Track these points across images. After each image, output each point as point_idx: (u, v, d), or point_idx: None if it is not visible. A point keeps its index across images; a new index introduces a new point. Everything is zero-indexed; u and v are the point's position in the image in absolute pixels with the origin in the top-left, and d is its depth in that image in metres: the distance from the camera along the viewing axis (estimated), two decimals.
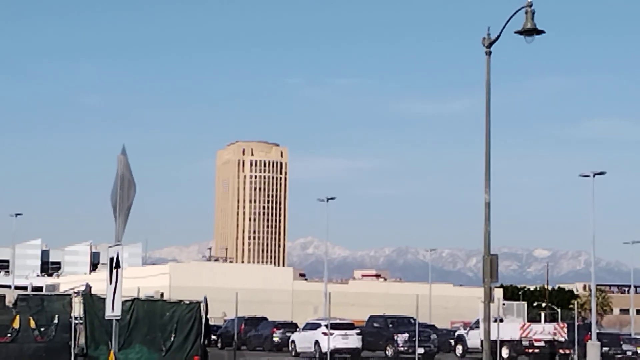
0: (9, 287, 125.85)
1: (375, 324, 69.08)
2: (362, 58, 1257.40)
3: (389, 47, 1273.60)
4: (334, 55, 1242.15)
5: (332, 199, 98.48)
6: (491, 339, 37.24)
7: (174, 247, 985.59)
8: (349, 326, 65.23)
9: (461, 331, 74.08)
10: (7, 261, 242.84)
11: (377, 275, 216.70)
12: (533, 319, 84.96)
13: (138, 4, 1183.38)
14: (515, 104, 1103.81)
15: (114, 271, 20.28)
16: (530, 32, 34.64)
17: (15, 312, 39.36)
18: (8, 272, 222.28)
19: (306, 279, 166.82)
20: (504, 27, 35.35)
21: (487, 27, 35.89)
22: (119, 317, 20.27)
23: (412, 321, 66.29)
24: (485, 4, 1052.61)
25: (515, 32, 34.88)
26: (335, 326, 62.82)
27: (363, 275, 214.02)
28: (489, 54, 35.89)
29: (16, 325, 39.09)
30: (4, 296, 41.41)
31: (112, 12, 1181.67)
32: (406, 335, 64.61)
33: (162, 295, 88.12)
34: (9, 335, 39.01)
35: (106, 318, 20.77)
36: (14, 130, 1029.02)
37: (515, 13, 34.94)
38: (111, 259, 20.43)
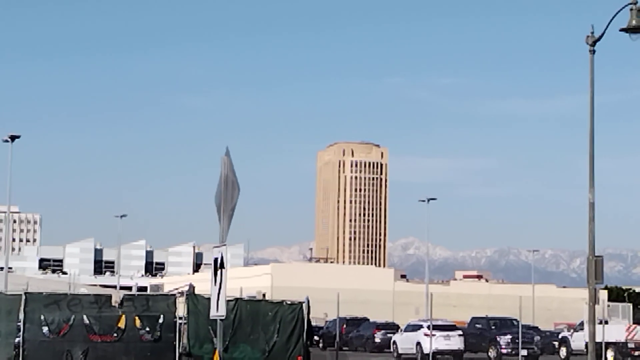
0: (115, 287, 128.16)
1: (477, 325, 68.62)
2: (463, 57, 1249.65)
3: (491, 45, 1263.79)
4: (435, 55, 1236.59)
5: (433, 199, 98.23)
6: (596, 341, 36.74)
7: (276, 247, 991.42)
8: (451, 327, 64.86)
9: (565, 333, 73.09)
10: (113, 262, 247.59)
11: (479, 276, 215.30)
12: (639, 321, 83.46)
13: (223, 5, 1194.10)
14: (620, 102, 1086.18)
15: (219, 272, 20.48)
16: (636, 29, 34.08)
17: (121, 312, 40.02)
18: (113, 272, 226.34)
19: (407, 280, 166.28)
20: (608, 25, 34.85)
21: (591, 25, 35.44)
22: (223, 317, 20.48)
23: (515, 323, 65.67)
24: (591, 0, 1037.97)
25: (621, 30, 34.36)
26: (437, 327, 62.52)
27: (464, 276, 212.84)
28: (592, 52, 35.42)
29: (122, 324, 39.73)
30: (110, 296, 42.06)
31: (214, 13, 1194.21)
32: (509, 336, 64.04)
33: (264, 295, 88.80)
34: (115, 334, 39.68)
35: (211, 318, 20.99)
36: (118, 130, 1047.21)
37: (620, 10, 34.41)
38: (215, 260, 20.64)
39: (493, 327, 66.95)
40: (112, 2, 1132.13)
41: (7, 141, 71.38)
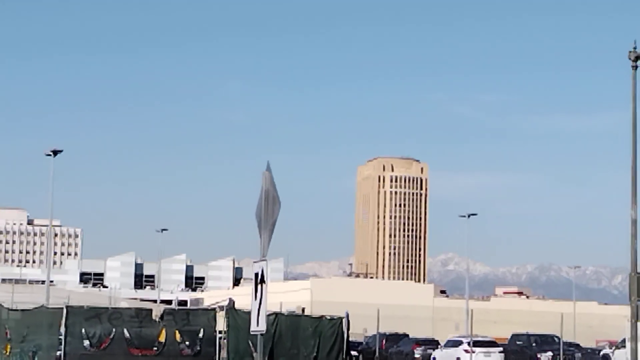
0: (155, 301, 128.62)
1: (518, 342, 68.22)
2: (505, 73, 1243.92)
3: (533, 61, 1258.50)
4: (476, 71, 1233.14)
5: (473, 214, 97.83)
6: (638, 358, 36.41)
7: (315, 262, 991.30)
8: (492, 344, 64.52)
9: (607, 350, 72.53)
10: (153, 276, 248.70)
11: (519, 293, 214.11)
12: None
13: (269, 25, 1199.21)
14: None
15: (259, 286, 20.49)
16: None
17: (161, 326, 40.17)
18: (154, 286, 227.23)
19: (447, 296, 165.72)
20: None
21: (633, 41, 35.22)
22: (264, 332, 20.48)
23: (556, 339, 65.28)
24: (633, 16, 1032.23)
25: None
26: (477, 343, 62.22)
27: (505, 293, 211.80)
28: (635, 67, 35.20)
29: (162, 338, 39.90)
30: (151, 310, 42.27)
31: (249, 31, 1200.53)
32: (550, 353, 63.60)
33: (303, 310, 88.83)
34: (155, 348, 39.84)
35: (251, 332, 20.98)
36: (158, 147, 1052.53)
37: None
38: (256, 274, 20.65)
39: (534, 344, 66.54)
40: (150, 22, 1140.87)
41: (49, 155, 71.92)
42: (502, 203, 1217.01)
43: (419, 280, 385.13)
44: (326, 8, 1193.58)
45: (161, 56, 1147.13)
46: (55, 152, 71.78)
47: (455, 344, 65.57)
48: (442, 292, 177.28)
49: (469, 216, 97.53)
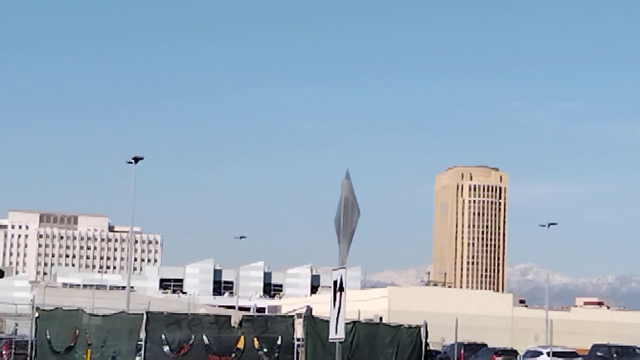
0: (233, 307, 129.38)
1: (599, 353, 67.36)
2: (586, 81, 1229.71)
3: (612, 68, 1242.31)
4: (557, 79, 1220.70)
5: (553, 224, 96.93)
6: None
7: (393, 271, 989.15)
8: (572, 355, 63.89)
9: None
10: (232, 282, 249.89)
11: (600, 303, 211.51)
12: None
13: (348, 32, 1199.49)
14: None
15: (338, 294, 20.49)
16: None
17: (240, 333, 40.24)
18: (232, 293, 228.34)
19: (526, 306, 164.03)
20: None
21: None
22: (342, 340, 20.46)
23: (637, 351, 64.36)
24: None
25: None
26: (557, 354, 61.63)
27: (585, 303, 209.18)
28: None
29: (240, 345, 39.95)
30: (230, 317, 42.35)
31: (327, 38, 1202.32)
32: None
33: (380, 319, 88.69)
34: (233, 355, 39.93)
35: (330, 341, 20.98)
36: (237, 155, 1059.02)
37: None
38: (335, 282, 20.65)
39: (615, 355, 65.69)
40: (229, 40, 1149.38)
41: (130, 163, 72.72)
42: (582, 212, 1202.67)
43: (498, 290, 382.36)
44: (402, 21, 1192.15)
45: (239, 66, 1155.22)
46: (137, 160, 72.53)
47: (535, 354, 65.03)
48: (521, 302, 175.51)
49: (548, 225, 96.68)
